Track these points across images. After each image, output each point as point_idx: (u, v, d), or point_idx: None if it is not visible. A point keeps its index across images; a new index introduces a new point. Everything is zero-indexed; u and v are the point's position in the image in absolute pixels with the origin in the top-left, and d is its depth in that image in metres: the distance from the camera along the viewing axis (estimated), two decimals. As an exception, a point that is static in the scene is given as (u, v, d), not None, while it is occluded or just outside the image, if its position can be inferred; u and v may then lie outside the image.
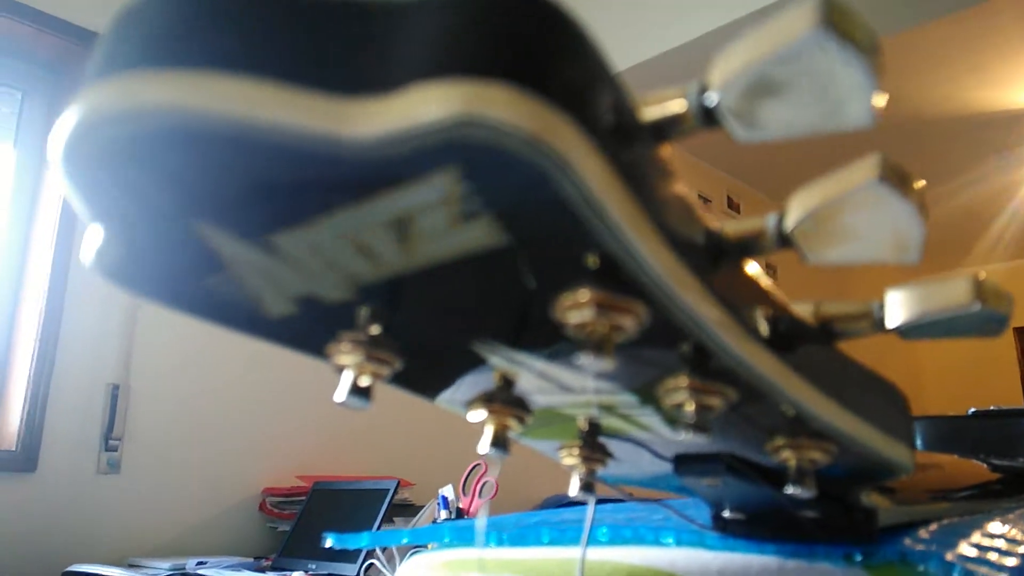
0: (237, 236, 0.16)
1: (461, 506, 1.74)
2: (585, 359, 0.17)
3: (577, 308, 0.17)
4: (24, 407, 1.72)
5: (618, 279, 0.17)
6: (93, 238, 0.18)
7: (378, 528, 1.68)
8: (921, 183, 0.18)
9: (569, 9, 0.13)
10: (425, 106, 0.12)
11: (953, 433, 0.71)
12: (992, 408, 0.78)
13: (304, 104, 0.12)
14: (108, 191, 0.15)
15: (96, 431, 1.81)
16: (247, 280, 0.18)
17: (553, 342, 0.20)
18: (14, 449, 1.70)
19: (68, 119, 0.13)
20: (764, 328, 0.22)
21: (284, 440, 2.10)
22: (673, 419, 0.25)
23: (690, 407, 0.20)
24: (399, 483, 1.79)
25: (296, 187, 0.14)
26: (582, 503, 0.32)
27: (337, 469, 2.11)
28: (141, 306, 1.88)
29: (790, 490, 0.24)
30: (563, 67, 0.13)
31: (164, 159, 0.14)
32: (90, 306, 1.82)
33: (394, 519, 1.84)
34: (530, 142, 0.12)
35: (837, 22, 0.14)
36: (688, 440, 0.20)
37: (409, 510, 1.95)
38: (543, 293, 0.18)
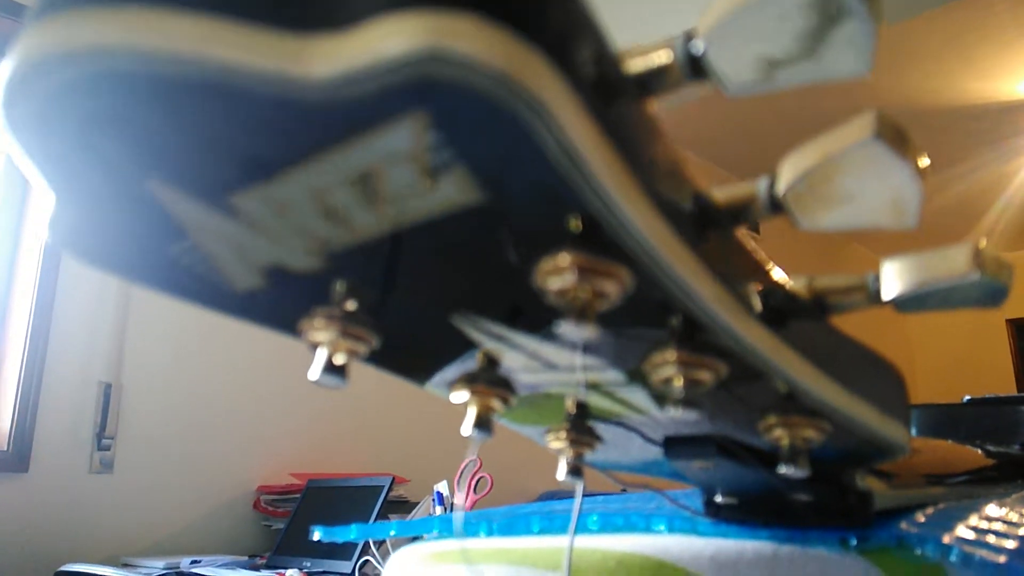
0: (195, 196, 0.15)
1: (456, 502, 1.73)
2: (567, 327, 0.16)
3: (557, 273, 0.16)
4: (15, 406, 1.71)
5: (602, 243, 0.16)
6: (46, 207, 0.17)
7: (372, 525, 1.67)
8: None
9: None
10: (385, 41, 0.11)
11: (948, 420, 0.70)
12: (987, 396, 0.77)
13: (255, 42, 0.11)
14: (56, 147, 0.14)
15: (88, 430, 1.80)
16: (211, 248, 0.17)
17: (536, 314, 0.20)
18: (6, 449, 1.69)
19: (8, 64, 0.12)
20: (756, 301, 0.21)
21: (278, 438, 2.09)
22: (662, 396, 0.24)
23: (679, 382, 0.20)
24: (394, 479, 1.78)
25: (252, 136, 0.13)
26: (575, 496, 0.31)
27: (332, 466, 2.10)
28: (133, 303, 1.87)
29: (783, 470, 0.23)
30: (540, 5, 0.12)
31: (110, 106, 0.13)
32: (81, 304, 1.81)
33: (389, 516, 1.83)
34: (501, 80, 0.11)
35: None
36: (678, 416, 0.19)
37: (404, 507, 1.94)
38: (524, 260, 0.17)
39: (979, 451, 0.64)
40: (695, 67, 0.15)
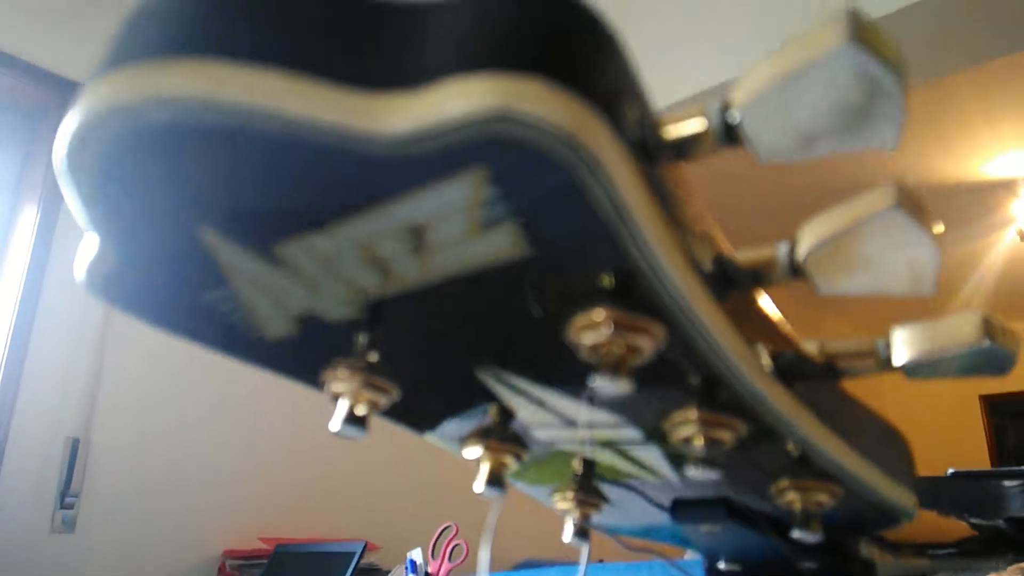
0: (244, 244, 0.15)
1: (430, 570, 1.68)
2: (600, 382, 0.16)
3: (592, 328, 0.16)
4: (-23, 461, 1.66)
5: (633, 299, 0.16)
6: (87, 250, 0.17)
7: (343, 593, 1.62)
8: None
9: (601, 11, 0.13)
10: (457, 100, 0.12)
11: (932, 492, 0.70)
12: (970, 470, 0.78)
13: (332, 98, 0.12)
14: (112, 192, 0.14)
15: (52, 487, 1.74)
16: (247, 296, 0.17)
17: (563, 370, 0.20)
18: (-36, 505, 1.63)
19: (77, 110, 0.13)
20: (768, 362, 0.22)
21: (247, 499, 2.04)
22: (679, 456, 0.24)
23: (699, 441, 0.20)
24: (366, 546, 1.74)
25: (311, 188, 0.13)
26: (553, 565, 0.30)
27: (301, 531, 2.05)
28: (106, 358, 1.84)
29: (796, 534, 0.23)
30: (597, 66, 0.13)
31: (176, 156, 0.13)
32: (54, 357, 1.77)
33: (360, 584, 1.78)
34: (564, 138, 0.12)
35: (867, 38, 0.14)
36: (697, 476, 0.20)
37: (376, 575, 1.89)
38: (556, 315, 0.17)
39: (962, 523, 0.64)
40: (729, 134, 0.16)
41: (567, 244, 0.14)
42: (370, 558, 1.89)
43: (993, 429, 4.57)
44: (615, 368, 0.16)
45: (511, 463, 0.23)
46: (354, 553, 1.71)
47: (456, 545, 1.70)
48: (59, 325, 1.79)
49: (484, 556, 0.36)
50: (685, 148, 0.16)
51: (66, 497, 1.76)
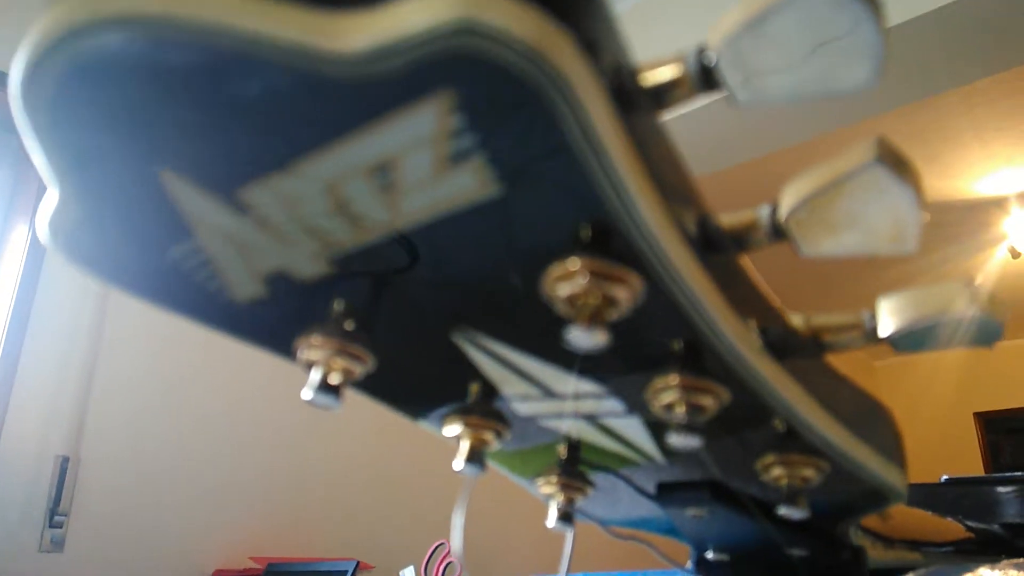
0: (207, 189, 0.15)
1: (423, 589, 1.66)
2: (576, 333, 0.16)
3: (568, 278, 0.16)
4: (-35, 479, 1.63)
5: (612, 250, 0.16)
6: (49, 204, 0.17)
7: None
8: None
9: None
10: (419, 14, 0.11)
11: (927, 499, 0.70)
12: (965, 476, 0.77)
13: (289, 15, 0.12)
14: (68, 129, 0.14)
15: (41, 505, 1.72)
16: (214, 250, 0.17)
17: (542, 334, 0.19)
18: (-50, 524, 1.61)
19: (31, 38, 0.12)
20: (757, 336, 0.21)
21: (238, 518, 2.01)
22: (661, 427, 0.23)
23: (681, 407, 0.19)
24: (358, 564, 1.72)
25: (271, 120, 0.13)
26: None
27: (293, 549, 2.02)
28: (96, 375, 1.82)
29: (782, 511, 0.22)
30: None
31: (132, 84, 0.13)
32: (44, 375, 1.76)
33: (352, 603, 1.75)
34: (531, 53, 0.11)
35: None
36: (679, 444, 0.19)
37: (367, 593, 1.87)
38: (532, 270, 0.17)
39: (960, 524, 0.63)
40: (707, 79, 0.15)
41: (538, 183, 0.14)
42: (362, 577, 1.87)
43: (988, 446, 4.56)
44: (591, 320, 0.15)
45: (492, 440, 0.23)
46: (346, 572, 1.69)
47: (449, 563, 1.68)
48: (48, 343, 1.78)
49: (457, 534, 0.36)
50: (663, 95, 0.16)
51: (55, 516, 1.74)
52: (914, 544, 0.40)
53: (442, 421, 0.23)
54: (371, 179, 0.14)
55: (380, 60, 0.11)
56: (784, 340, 0.22)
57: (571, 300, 0.16)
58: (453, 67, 0.11)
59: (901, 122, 2.53)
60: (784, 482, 0.22)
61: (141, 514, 1.85)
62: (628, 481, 0.29)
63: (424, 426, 0.27)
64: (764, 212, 0.19)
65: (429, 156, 0.13)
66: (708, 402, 0.19)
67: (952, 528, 0.56)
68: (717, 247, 0.20)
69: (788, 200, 0.19)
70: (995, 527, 0.64)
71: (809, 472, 0.22)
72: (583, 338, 0.16)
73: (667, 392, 0.19)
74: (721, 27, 0.15)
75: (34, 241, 1.79)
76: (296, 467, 2.07)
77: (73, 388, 1.80)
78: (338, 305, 0.19)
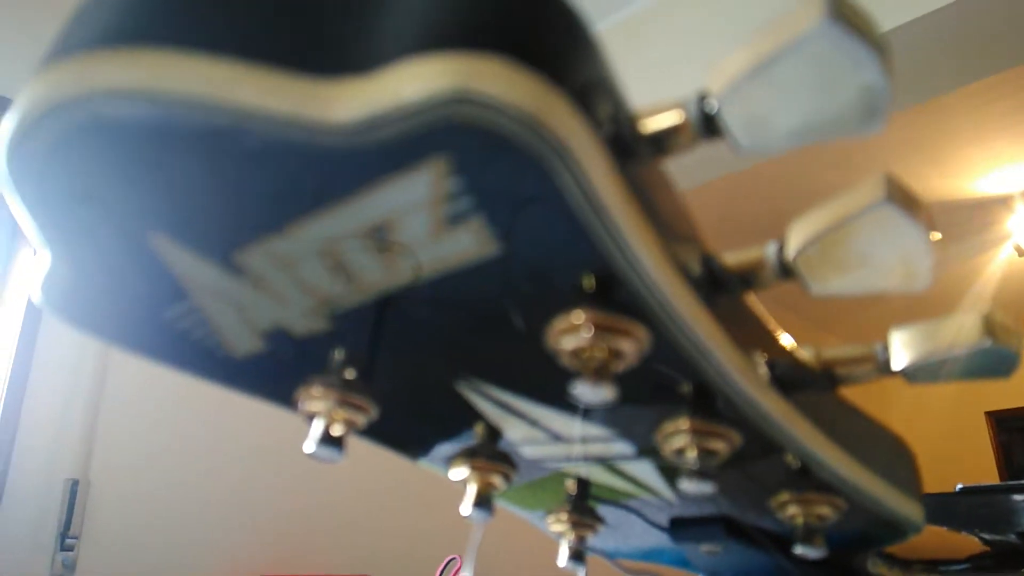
0: (201, 253, 0.14)
1: (435, 605, 1.65)
2: (582, 389, 0.15)
3: (572, 331, 0.15)
4: (-25, 504, 1.63)
5: (615, 301, 0.15)
6: (40, 265, 0.16)
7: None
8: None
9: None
10: (413, 83, 0.11)
11: (942, 509, 0.69)
12: (980, 485, 0.77)
13: (277, 85, 0.11)
14: (59, 198, 0.13)
15: (52, 529, 1.72)
16: (211, 310, 0.16)
17: (546, 381, 0.19)
18: (-39, 550, 1.60)
19: (17, 107, 0.12)
20: (764, 370, 0.21)
21: (249, 536, 2.01)
22: (672, 470, 0.23)
23: (692, 452, 0.19)
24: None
25: (265, 187, 0.13)
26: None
27: (304, 566, 2.02)
28: (104, 399, 1.82)
29: (799, 550, 0.22)
30: (564, 49, 0.12)
31: (121, 153, 0.12)
32: (51, 399, 1.76)
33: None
34: (529, 122, 0.11)
35: (845, 14, 0.13)
36: (691, 491, 0.19)
37: (380, 610, 1.86)
38: (535, 321, 0.17)
39: (974, 538, 0.62)
40: (709, 126, 0.15)
41: (539, 241, 0.14)
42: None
43: (1000, 446, 4.52)
44: (597, 374, 0.15)
45: (499, 483, 0.22)
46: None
47: (461, 578, 1.67)
48: (56, 368, 1.78)
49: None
50: (663, 142, 0.16)
51: (66, 539, 1.74)
52: (930, 564, 0.39)
53: (448, 464, 0.23)
54: (368, 241, 0.14)
55: (373, 129, 0.11)
56: (794, 374, 0.22)
57: (576, 354, 0.15)
58: (448, 134, 0.11)
59: (904, 124, 2.53)
60: (800, 521, 0.22)
61: (152, 535, 1.85)
62: (639, 514, 0.29)
63: (424, 466, 0.26)
64: (771, 250, 0.19)
65: (426, 218, 0.13)
66: (720, 446, 0.19)
67: (966, 542, 0.56)
68: (723, 287, 0.19)
69: (796, 239, 0.18)
70: (1011, 537, 0.63)
71: (825, 510, 0.22)
72: (589, 393, 0.15)
73: (677, 437, 0.19)
74: (723, 73, 0.15)
75: (39, 265, 1.79)
76: (306, 484, 2.07)
77: (81, 412, 1.80)
78: (338, 354, 0.19)
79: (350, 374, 0.19)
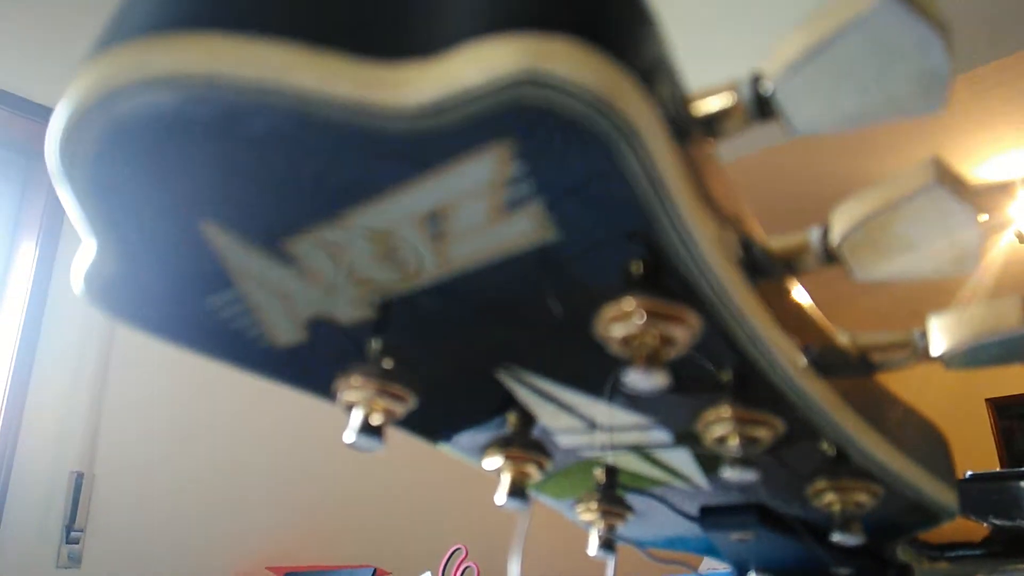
0: (251, 241, 0.14)
1: (441, 594, 1.66)
2: (634, 376, 0.15)
3: (623, 319, 0.15)
4: (-19, 498, 1.64)
5: (665, 286, 0.15)
6: (84, 256, 0.16)
7: (354, 620, 1.60)
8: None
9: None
10: (480, 64, 0.11)
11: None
12: (989, 471, 0.77)
13: (345, 70, 0.11)
14: (109, 187, 0.13)
15: (57, 522, 1.72)
16: (255, 299, 0.16)
17: (588, 369, 0.19)
18: (-33, 543, 1.60)
19: (72, 94, 0.12)
20: (800, 355, 0.21)
21: (254, 528, 2.01)
22: (711, 458, 0.23)
23: (735, 439, 0.19)
24: (375, 572, 1.71)
25: (323, 173, 0.12)
26: None
27: (310, 558, 2.02)
28: (107, 391, 1.82)
29: (837, 537, 0.22)
30: (632, 30, 0.12)
31: (178, 142, 0.12)
32: (55, 392, 1.76)
33: (370, 610, 1.75)
34: (600, 104, 0.11)
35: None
36: (734, 477, 0.18)
37: (386, 600, 1.86)
38: (580, 308, 0.16)
39: (984, 525, 0.63)
40: (762, 108, 0.15)
41: (596, 226, 0.13)
42: (380, 583, 1.86)
43: (1001, 432, 4.53)
44: (649, 361, 0.15)
45: (534, 473, 0.22)
46: (364, 579, 1.69)
47: (467, 567, 1.68)
48: (59, 360, 1.78)
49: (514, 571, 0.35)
50: (716, 124, 0.15)
51: (71, 531, 1.74)
52: (938, 550, 0.39)
53: (482, 454, 0.23)
54: (422, 228, 0.14)
55: (439, 114, 0.11)
56: (831, 360, 0.22)
57: (627, 341, 0.15)
58: (515, 117, 0.11)
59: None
60: (837, 508, 0.22)
61: (157, 527, 1.85)
62: (665, 502, 0.29)
63: (444, 450, 0.26)
64: (815, 235, 0.19)
65: (484, 204, 0.13)
66: (762, 434, 0.19)
67: (971, 528, 0.56)
68: (766, 271, 0.19)
69: (840, 224, 0.18)
70: (1021, 523, 0.63)
71: (862, 497, 0.22)
72: (642, 380, 0.15)
73: (720, 424, 0.19)
74: (779, 55, 0.14)
75: (42, 258, 1.79)
76: (311, 475, 2.07)
77: (85, 404, 1.80)
78: (376, 343, 0.19)
79: (388, 363, 0.19)
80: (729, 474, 0.19)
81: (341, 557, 2.04)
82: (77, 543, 1.74)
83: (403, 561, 1.96)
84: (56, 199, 1.81)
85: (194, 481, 1.93)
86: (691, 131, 0.15)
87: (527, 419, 0.24)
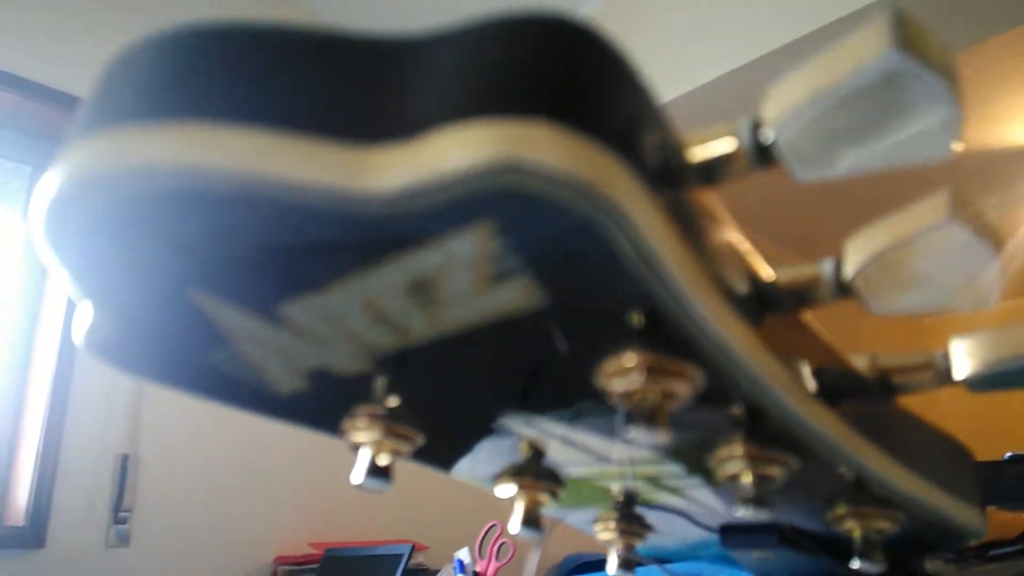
0: (242, 308, 0.14)
1: (478, 570, 1.68)
2: (636, 433, 0.15)
3: (623, 374, 0.15)
4: (33, 481, 1.69)
5: (665, 338, 0.15)
6: (82, 316, 0.16)
7: (394, 595, 1.63)
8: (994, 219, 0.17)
9: (609, 34, 0.12)
10: (454, 151, 0.10)
11: (991, 479, 0.67)
12: (1032, 452, 0.75)
13: (314, 155, 0.11)
14: (97, 261, 0.13)
15: (105, 503, 1.77)
16: (253, 355, 0.16)
17: (591, 408, 0.19)
18: (22, 524, 1.66)
19: (51, 181, 0.12)
20: (812, 383, 0.20)
21: (296, 506, 2.05)
22: (725, 488, 0.22)
23: (747, 478, 0.18)
24: (413, 547, 1.74)
25: (308, 249, 0.12)
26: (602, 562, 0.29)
27: (350, 534, 2.06)
28: (149, 374, 1.86)
29: (857, 565, 0.21)
30: (610, 101, 0.11)
31: (159, 222, 0.12)
32: (98, 376, 1.80)
33: (409, 584, 1.78)
34: (580, 188, 0.10)
35: (912, 42, 0.12)
36: (747, 517, 0.18)
37: (424, 574, 1.89)
38: (581, 356, 0.16)
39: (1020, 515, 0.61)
40: (763, 155, 0.14)
41: (586, 292, 0.13)
42: (418, 558, 1.89)
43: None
44: (651, 417, 0.15)
45: (547, 500, 0.22)
46: (402, 555, 1.72)
47: (503, 543, 1.69)
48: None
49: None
50: (713, 171, 0.15)
51: (119, 512, 1.79)
52: (979, 550, 0.39)
53: (494, 481, 0.22)
54: (410, 297, 0.13)
55: (416, 199, 0.11)
56: (844, 383, 0.21)
57: (627, 396, 0.15)
58: (495, 201, 0.11)
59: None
60: (857, 534, 0.21)
61: (202, 506, 1.90)
62: (688, 517, 0.28)
63: (459, 477, 0.26)
64: (827, 268, 0.18)
65: (470, 275, 0.13)
66: (775, 472, 0.18)
67: (1014, 522, 0.54)
68: (773, 305, 0.18)
69: (854, 258, 0.17)
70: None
71: (883, 524, 0.21)
72: (644, 436, 0.15)
73: (731, 463, 0.18)
74: (778, 101, 0.14)
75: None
76: (351, 454, 2.10)
77: (128, 388, 1.84)
78: (381, 383, 0.19)
79: (394, 402, 0.18)
80: (742, 513, 0.18)
81: (380, 533, 2.07)
82: (125, 523, 1.79)
83: (441, 537, 1.99)
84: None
85: (237, 460, 1.97)
86: (685, 177, 0.14)
87: (539, 447, 0.23)
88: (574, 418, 0.19)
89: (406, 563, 1.70)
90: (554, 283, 0.13)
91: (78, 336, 0.16)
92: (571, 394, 0.18)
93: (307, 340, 0.15)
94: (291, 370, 0.17)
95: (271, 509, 2.01)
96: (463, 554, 1.70)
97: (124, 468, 1.81)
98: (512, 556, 1.62)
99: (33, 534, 1.66)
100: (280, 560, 1.96)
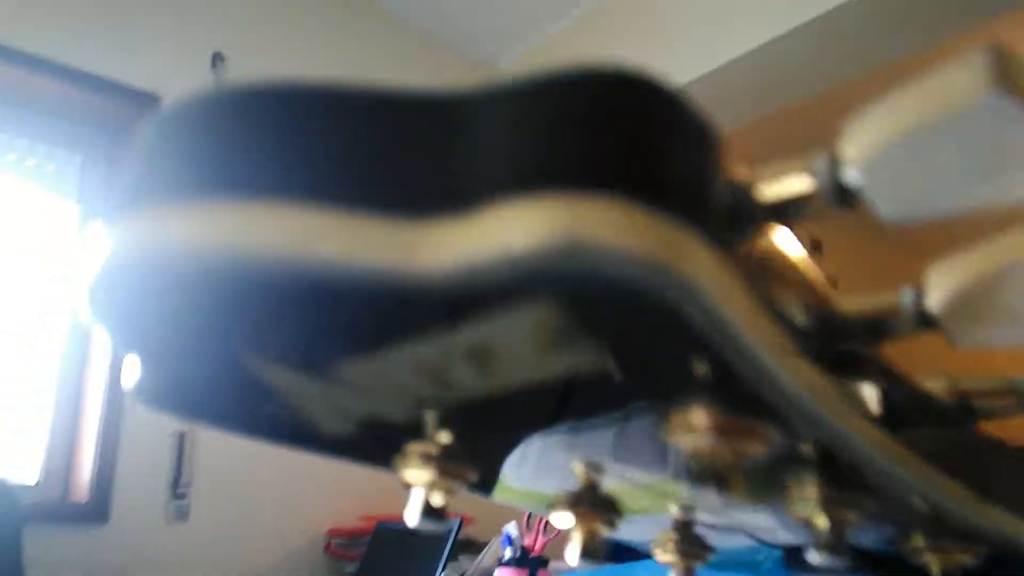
0: (294, 369, 0.14)
1: (526, 544, 1.69)
2: (710, 496, 0.14)
3: (690, 431, 0.14)
4: (96, 457, 1.74)
5: (735, 395, 0.14)
6: (130, 371, 0.16)
7: (443, 568, 1.65)
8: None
9: (670, 84, 0.11)
10: (511, 230, 0.09)
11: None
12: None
13: (366, 234, 0.10)
14: (143, 329, 0.13)
15: (164, 480, 1.82)
16: (304, 406, 0.16)
17: (649, 453, 0.18)
18: (86, 501, 1.72)
19: (96, 259, 0.11)
20: (877, 405, 0.19)
21: (347, 480, 2.09)
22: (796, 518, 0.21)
23: (822, 522, 0.17)
24: (462, 521, 1.75)
25: (358, 321, 0.12)
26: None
27: (400, 508, 2.08)
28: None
29: (933, 603, 0.20)
30: (678, 163, 0.10)
31: (209, 296, 0.11)
32: (153, 357, 1.84)
33: (459, 557, 1.80)
34: (650, 267, 0.09)
35: (1009, 79, 0.11)
36: (823, 564, 0.17)
37: (472, 547, 1.91)
38: (644, 407, 0.15)
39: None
40: (843, 196, 0.13)
41: (654, 357, 0.12)
42: (466, 531, 1.91)
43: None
44: (721, 479, 0.14)
45: (604, 531, 0.22)
46: (451, 528, 1.73)
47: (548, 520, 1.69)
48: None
49: None
50: (787, 210, 0.14)
51: (178, 488, 1.84)
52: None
53: (549, 508, 0.22)
54: (466, 360, 0.13)
55: (472, 277, 0.10)
56: (915, 406, 0.20)
57: (696, 455, 0.14)
58: (559, 280, 0.10)
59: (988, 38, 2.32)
60: (937, 569, 0.20)
61: (257, 482, 1.94)
62: (747, 532, 0.28)
63: (497, 498, 0.26)
64: (908, 299, 0.17)
65: (530, 343, 0.12)
66: (851, 516, 0.17)
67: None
68: (847, 339, 0.17)
69: (940, 290, 0.16)
70: None
71: (964, 557, 0.20)
72: (714, 497, 0.14)
73: (804, 504, 0.18)
74: (861, 139, 0.13)
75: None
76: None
77: (182, 368, 1.88)
78: (432, 416, 0.18)
79: (445, 438, 0.18)
80: (817, 560, 0.17)
81: (430, 508, 2.10)
82: (184, 499, 1.84)
83: (488, 512, 2.01)
84: (118, 169, 1.86)
85: (287, 438, 2.01)
86: (756, 218, 0.13)
87: (594, 472, 0.23)
88: (631, 462, 0.18)
89: (455, 537, 1.72)
90: (617, 347, 0.12)
91: (128, 386, 0.16)
92: (636, 438, 0.17)
93: (359, 394, 0.15)
94: (343, 420, 0.16)
95: (324, 484, 2.05)
96: (511, 528, 1.71)
97: (182, 445, 1.85)
98: (559, 532, 1.62)
99: (97, 510, 1.71)
100: (333, 533, 2.00)
